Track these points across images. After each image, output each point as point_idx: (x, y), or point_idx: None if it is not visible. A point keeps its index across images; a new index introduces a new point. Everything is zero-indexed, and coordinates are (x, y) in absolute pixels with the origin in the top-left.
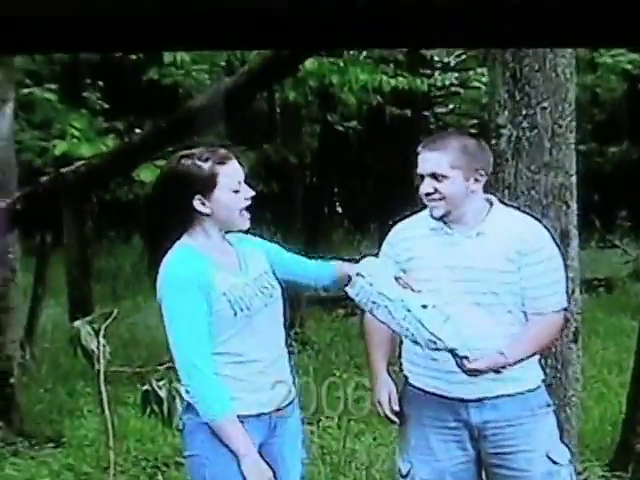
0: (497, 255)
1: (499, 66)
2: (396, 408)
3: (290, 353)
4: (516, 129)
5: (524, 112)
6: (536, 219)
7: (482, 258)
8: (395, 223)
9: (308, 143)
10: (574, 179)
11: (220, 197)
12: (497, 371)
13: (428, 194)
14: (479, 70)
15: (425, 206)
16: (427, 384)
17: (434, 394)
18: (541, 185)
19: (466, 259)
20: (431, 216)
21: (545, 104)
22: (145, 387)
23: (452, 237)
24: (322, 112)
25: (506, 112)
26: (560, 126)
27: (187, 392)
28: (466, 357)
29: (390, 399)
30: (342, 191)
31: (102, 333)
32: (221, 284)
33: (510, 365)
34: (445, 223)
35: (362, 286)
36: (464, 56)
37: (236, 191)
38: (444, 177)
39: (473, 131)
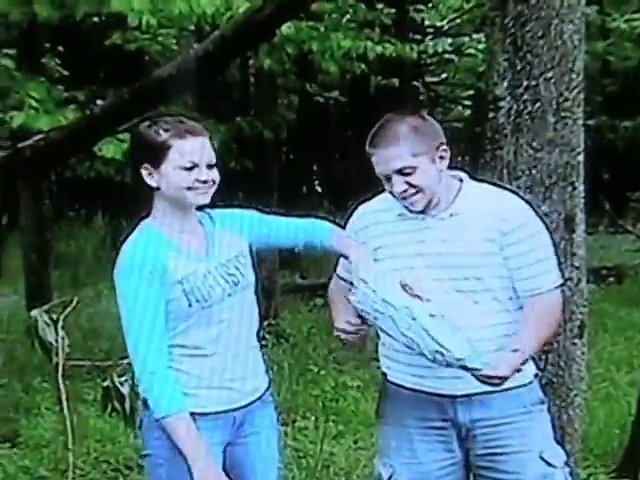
0: (475, 236)
1: (498, 31)
2: (353, 320)
3: (263, 347)
4: (516, 102)
5: (525, 83)
6: (514, 193)
7: (459, 241)
8: (356, 207)
9: (285, 116)
10: (581, 157)
11: (166, 172)
12: (519, 370)
13: (403, 192)
14: (475, 36)
15: None
16: (409, 380)
17: (417, 391)
18: (544, 164)
19: (442, 244)
20: (410, 211)
21: (549, 74)
22: (106, 383)
23: (423, 221)
24: (300, 82)
25: (505, 83)
26: (566, 99)
27: (137, 385)
28: (477, 369)
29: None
30: (322, 169)
31: (61, 324)
32: (178, 270)
33: (527, 359)
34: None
35: (365, 293)
36: (459, 20)
37: (187, 169)
38: (412, 168)
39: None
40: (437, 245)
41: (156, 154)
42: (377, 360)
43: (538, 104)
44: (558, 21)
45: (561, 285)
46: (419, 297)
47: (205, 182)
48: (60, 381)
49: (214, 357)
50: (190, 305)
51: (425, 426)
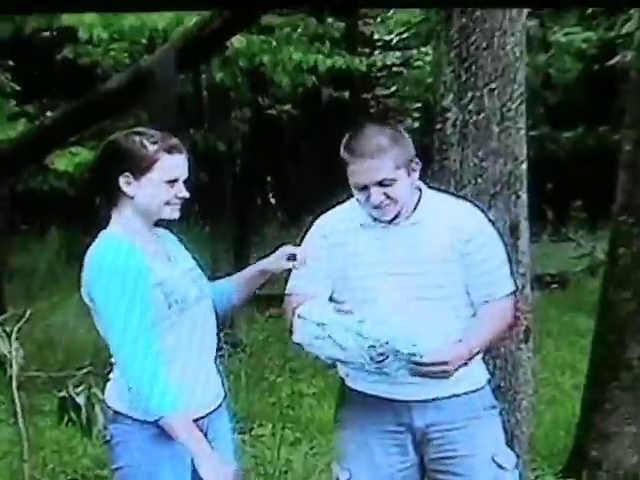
0: (437, 244)
1: (444, 44)
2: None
3: (220, 356)
4: (462, 112)
5: (470, 94)
6: (469, 201)
7: (422, 249)
8: (315, 217)
9: (238, 128)
10: (524, 167)
11: (148, 183)
12: (465, 364)
13: (380, 203)
14: (423, 49)
15: (349, 197)
16: (366, 386)
17: (374, 396)
18: (489, 173)
19: (405, 252)
20: (378, 220)
21: (493, 85)
22: (62, 394)
23: (386, 230)
24: (253, 94)
25: (451, 94)
26: (509, 109)
27: (129, 389)
28: (414, 355)
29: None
30: (275, 181)
31: (14, 336)
32: (154, 273)
33: (470, 357)
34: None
35: (303, 325)
36: (407, 34)
37: (169, 183)
38: (392, 180)
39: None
40: (399, 253)
41: (140, 164)
42: (333, 367)
43: (483, 115)
44: (501, 33)
45: (513, 292)
46: (349, 312)
47: (182, 198)
48: (15, 393)
49: (182, 363)
50: (170, 307)
51: (382, 430)
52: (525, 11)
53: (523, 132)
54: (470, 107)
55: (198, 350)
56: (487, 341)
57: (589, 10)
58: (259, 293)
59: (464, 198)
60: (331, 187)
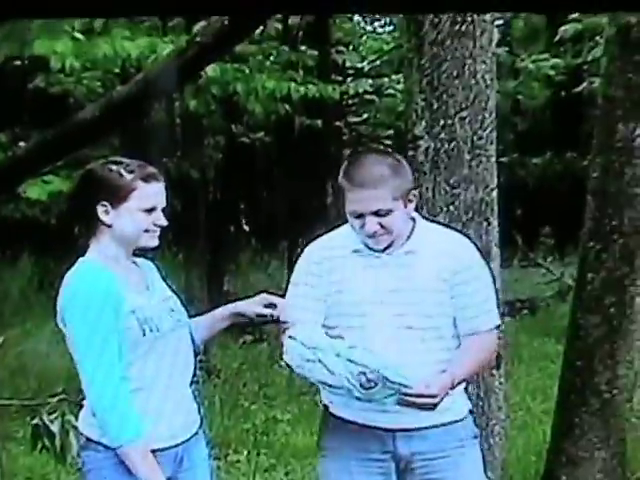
0: (429, 274)
1: (415, 72)
2: None
3: (194, 382)
4: (434, 140)
5: (442, 122)
6: (462, 233)
7: (414, 278)
8: (308, 242)
9: (211, 156)
10: (495, 194)
11: (126, 212)
12: (447, 394)
13: (374, 232)
14: (394, 77)
15: (341, 223)
16: (351, 414)
17: (358, 424)
18: (460, 200)
19: (397, 280)
20: (370, 248)
21: (464, 114)
22: (35, 421)
23: (379, 258)
24: (226, 122)
25: (423, 122)
26: (480, 137)
27: (94, 415)
28: (403, 385)
29: None
30: (249, 208)
31: None
32: (129, 301)
33: (453, 387)
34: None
35: (294, 347)
36: (379, 61)
37: (147, 211)
38: (389, 211)
39: (385, 144)
40: (391, 282)
41: (117, 194)
42: (305, 395)
43: (454, 143)
44: (471, 61)
45: (498, 327)
46: (340, 337)
47: (160, 226)
48: None
49: (157, 391)
50: (144, 334)
51: (365, 458)
52: (495, 39)
53: (494, 159)
54: (442, 135)
55: (172, 378)
56: (471, 372)
57: (557, 37)
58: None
59: (456, 229)
60: (305, 214)
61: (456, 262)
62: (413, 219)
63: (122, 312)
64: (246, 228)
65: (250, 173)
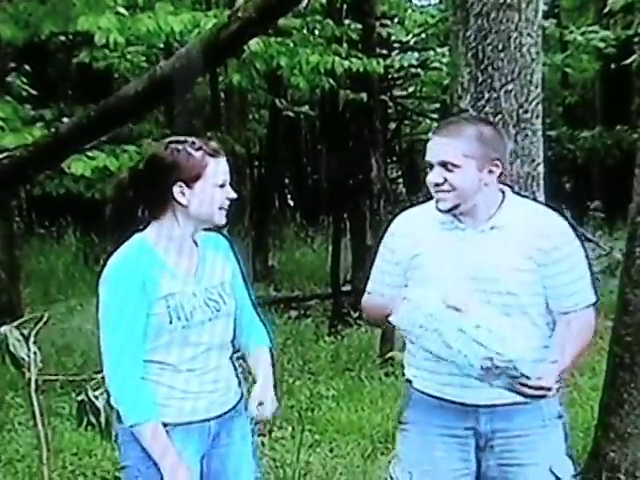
0: (515, 252)
1: (461, 45)
2: None
3: (239, 358)
4: (479, 114)
5: (487, 96)
6: (554, 209)
7: (497, 254)
8: (397, 214)
9: (255, 131)
10: (541, 168)
11: (203, 189)
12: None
13: (437, 184)
14: (440, 50)
15: (429, 198)
16: (435, 388)
17: (441, 399)
18: (506, 175)
19: (480, 255)
20: (438, 209)
21: (509, 87)
22: (80, 397)
23: (464, 232)
24: (270, 97)
25: (468, 95)
26: (526, 111)
27: (109, 394)
28: (526, 376)
29: None
30: (294, 183)
31: (32, 339)
32: (164, 287)
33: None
34: (455, 216)
35: (409, 310)
36: (424, 35)
37: (220, 186)
38: (455, 166)
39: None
40: (476, 256)
41: (191, 173)
42: (350, 370)
43: (499, 116)
44: (517, 34)
45: (594, 303)
46: (460, 310)
47: (231, 200)
48: (33, 396)
49: (188, 373)
50: (171, 322)
51: (447, 434)
52: (541, 11)
53: (540, 133)
54: (487, 108)
55: (200, 364)
56: (574, 357)
57: (606, 8)
58: (277, 295)
59: (549, 206)
60: (350, 189)
61: (545, 240)
62: (503, 192)
63: (154, 297)
64: (291, 203)
65: (294, 147)
